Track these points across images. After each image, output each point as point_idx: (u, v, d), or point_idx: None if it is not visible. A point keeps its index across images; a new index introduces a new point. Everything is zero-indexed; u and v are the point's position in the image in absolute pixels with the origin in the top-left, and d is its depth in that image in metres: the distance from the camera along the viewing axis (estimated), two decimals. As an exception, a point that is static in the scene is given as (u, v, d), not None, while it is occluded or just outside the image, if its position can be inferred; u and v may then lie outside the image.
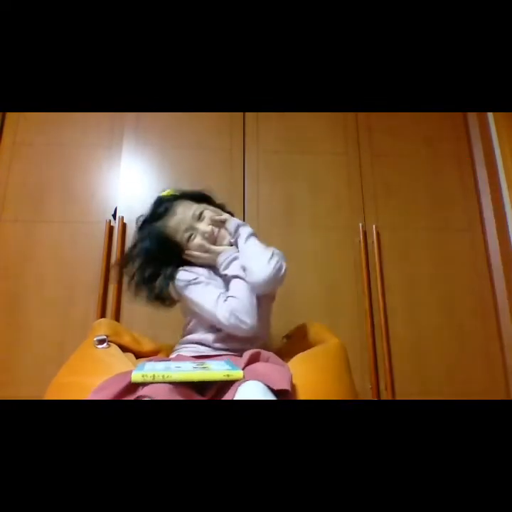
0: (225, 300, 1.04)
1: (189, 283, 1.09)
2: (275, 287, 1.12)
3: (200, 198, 1.23)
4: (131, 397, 0.78)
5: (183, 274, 1.11)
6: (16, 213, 1.70)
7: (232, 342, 1.08)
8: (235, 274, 1.09)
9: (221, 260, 1.13)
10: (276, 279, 1.06)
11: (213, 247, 1.14)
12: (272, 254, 1.08)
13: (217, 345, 1.09)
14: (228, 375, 0.80)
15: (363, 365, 1.62)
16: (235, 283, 1.07)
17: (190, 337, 1.14)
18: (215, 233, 1.16)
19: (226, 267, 1.11)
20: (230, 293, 1.06)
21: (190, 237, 1.14)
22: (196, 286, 1.09)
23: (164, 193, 1.22)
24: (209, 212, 1.17)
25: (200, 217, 1.15)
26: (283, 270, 1.08)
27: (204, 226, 1.15)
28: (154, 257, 1.13)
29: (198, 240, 1.14)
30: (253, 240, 1.13)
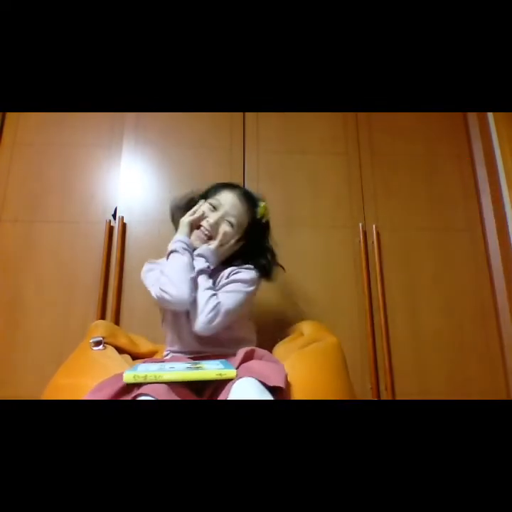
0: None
1: (146, 271, 1.21)
2: (216, 331, 1.06)
3: (249, 215, 1.23)
4: (128, 398, 0.78)
5: (145, 266, 1.23)
6: (16, 213, 1.70)
7: (211, 347, 1.10)
8: (170, 249, 1.14)
9: (172, 241, 1.16)
10: (211, 328, 1.03)
11: (182, 225, 1.18)
12: (206, 306, 1.03)
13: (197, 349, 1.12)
14: (220, 374, 0.80)
15: (363, 365, 1.62)
16: (168, 259, 1.14)
17: (169, 348, 1.18)
18: (205, 227, 1.17)
19: (171, 246, 1.16)
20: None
21: (190, 208, 1.21)
22: (152, 272, 1.19)
23: (262, 204, 1.27)
24: (225, 224, 1.17)
25: (214, 209, 1.19)
26: (217, 319, 1.03)
27: (215, 215, 1.17)
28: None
29: (185, 217, 1.19)
30: (199, 279, 1.09)
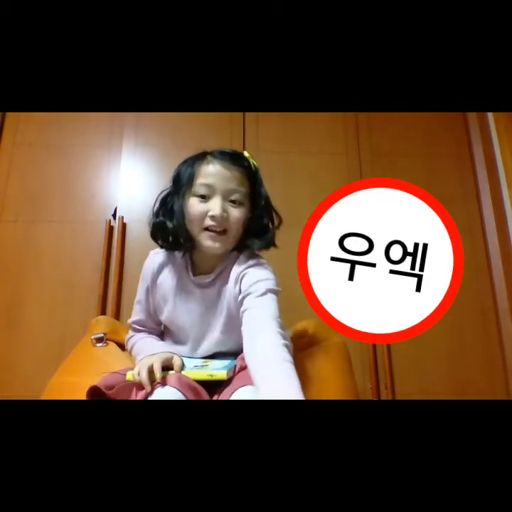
0: None
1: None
2: None
3: (261, 197, 0.95)
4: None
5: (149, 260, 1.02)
6: (16, 213, 1.70)
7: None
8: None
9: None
10: None
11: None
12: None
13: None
14: (211, 376, 0.79)
15: (363, 364, 1.62)
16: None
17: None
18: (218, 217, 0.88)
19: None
20: None
21: (198, 189, 0.90)
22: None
23: (247, 154, 0.97)
24: (232, 208, 0.90)
25: (207, 197, 0.89)
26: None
27: (216, 204, 0.88)
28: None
29: (193, 201, 0.90)
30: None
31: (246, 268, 0.92)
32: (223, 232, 0.90)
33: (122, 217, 1.71)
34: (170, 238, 0.93)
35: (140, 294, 0.99)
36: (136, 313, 1.01)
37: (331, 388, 0.94)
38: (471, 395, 1.62)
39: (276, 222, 1.02)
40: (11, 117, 1.81)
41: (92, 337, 1.05)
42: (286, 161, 1.86)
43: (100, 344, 1.04)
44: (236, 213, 0.90)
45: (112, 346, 1.07)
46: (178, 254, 0.96)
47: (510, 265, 1.68)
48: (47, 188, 1.74)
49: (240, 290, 0.89)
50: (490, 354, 1.68)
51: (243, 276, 0.91)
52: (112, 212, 1.73)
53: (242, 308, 0.85)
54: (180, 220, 0.91)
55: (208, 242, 0.90)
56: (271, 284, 0.89)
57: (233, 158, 0.91)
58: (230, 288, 0.93)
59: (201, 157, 0.95)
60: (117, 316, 1.61)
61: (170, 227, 0.92)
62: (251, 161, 0.95)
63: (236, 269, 0.93)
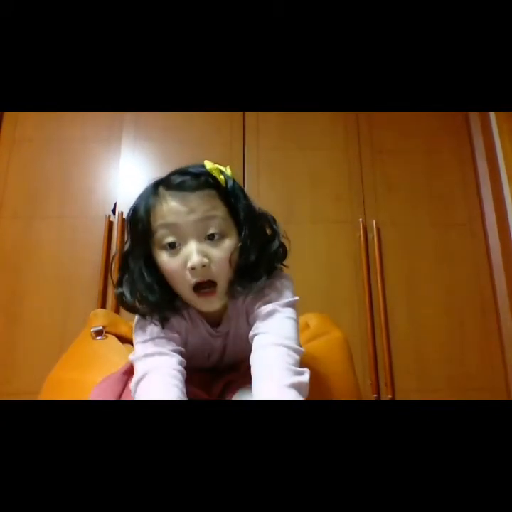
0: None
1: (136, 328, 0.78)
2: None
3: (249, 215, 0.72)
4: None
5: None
6: (15, 209, 1.69)
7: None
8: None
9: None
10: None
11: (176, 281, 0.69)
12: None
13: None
14: None
15: (363, 361, 1.62)
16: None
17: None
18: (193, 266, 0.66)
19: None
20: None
21: (162, 238, 0.68)
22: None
23: (209, 166, 0.71)
24: (211, 249, 0.67)
25: (174, 246, 0.67)
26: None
27: (191, 251, 0.66)
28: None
29: (164, 257, 0.68)
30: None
31: (246, 296, 0.74)
32: (213, 283, 0.68)
33: (122, 213, 1.71)
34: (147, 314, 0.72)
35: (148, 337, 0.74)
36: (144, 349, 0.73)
37: (333, 383, 0.94)
38: (471, 391, 1.62)
39: (275, 244, 0.78)
40: (10, 113, 1.81)
41: (91, 330, 1.05)
42: (286, 156, 1.86)
43: (99, 337, 1.04)
44: (219, 253, 0.67)
45: (111, 339, 1.06)
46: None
47: (511, 260, 1.68)
48: (46, 183, 1.74)
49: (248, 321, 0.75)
50: (490, 350, 1.69)
51: (248, 303, 0.74)
52: (112, 208, 1.73)
53: (251, 333, 0.70)
54: (148, 286, 0.70)
55: (203, 305, 0.70)
56: (283, 296, 0.72)
57: (191, 181, 0.68)
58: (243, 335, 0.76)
59: (152, 191, 0.70)
60: (117, 311, 1.61)
61: (129, 301, 0.71)
62: (217, 171, 0.71)
63: (241, 315, 0.76)
